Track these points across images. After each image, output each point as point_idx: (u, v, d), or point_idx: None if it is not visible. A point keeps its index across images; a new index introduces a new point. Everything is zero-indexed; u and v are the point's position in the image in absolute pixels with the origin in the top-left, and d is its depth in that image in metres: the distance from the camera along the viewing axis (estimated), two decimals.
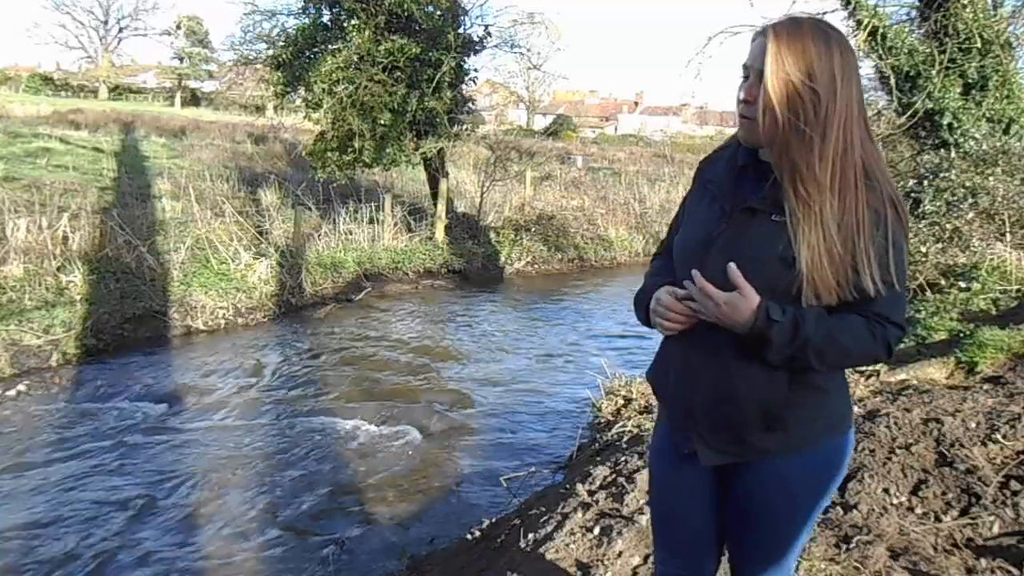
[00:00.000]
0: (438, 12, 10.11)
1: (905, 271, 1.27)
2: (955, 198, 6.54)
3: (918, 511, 2.52)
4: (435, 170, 11.44)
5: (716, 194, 1.37)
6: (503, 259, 11.48)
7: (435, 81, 9.87)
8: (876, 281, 1.21)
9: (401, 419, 5.30)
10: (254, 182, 13.39)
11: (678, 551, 1.57)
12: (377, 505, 4.13)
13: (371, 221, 10.67)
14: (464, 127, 11.42)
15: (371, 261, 9.97)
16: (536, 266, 11.86)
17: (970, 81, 7.55)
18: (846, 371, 1.46)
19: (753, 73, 1.26)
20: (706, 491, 1.48)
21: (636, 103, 61.38)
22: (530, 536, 2.84)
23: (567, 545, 2.65)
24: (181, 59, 47.90)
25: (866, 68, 7.94)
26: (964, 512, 2.46)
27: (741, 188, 1.33)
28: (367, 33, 9.58)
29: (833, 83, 1.21)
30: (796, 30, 1.23)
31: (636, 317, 1.51)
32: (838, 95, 1.21)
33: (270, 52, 10.45)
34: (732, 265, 1.24)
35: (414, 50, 9.64)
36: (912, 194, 6.75)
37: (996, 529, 2.35)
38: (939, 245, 6.25)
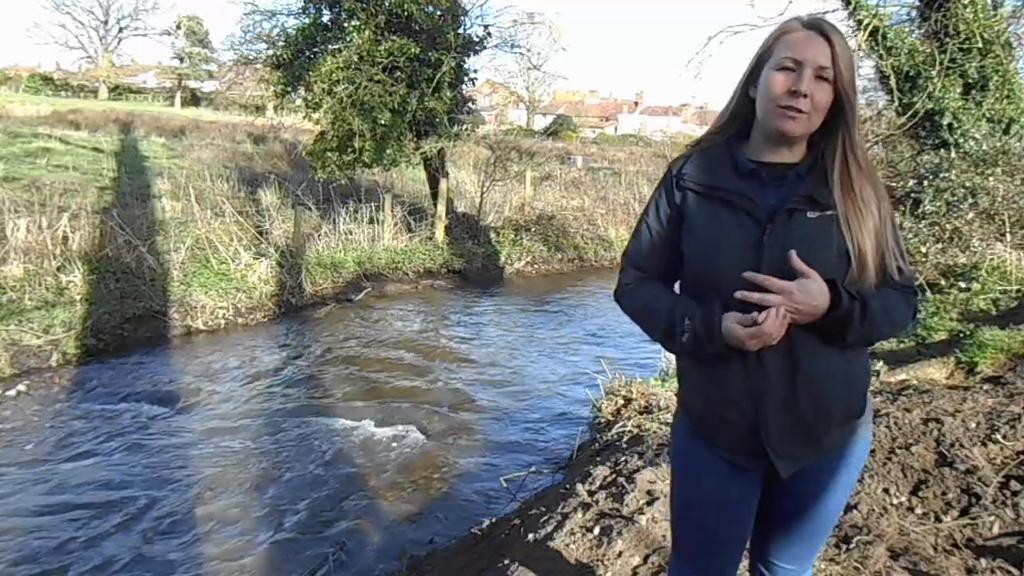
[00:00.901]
0: (438, 12, 10.11)
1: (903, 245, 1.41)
2: (955, 198, 6.54)
3: (918, 511, 2.52)
4: (435, 170, 11.44)
5: (732, 201, 1.34)
6: (503, 259, 11.48)
7: (435, 81, 9.88)
8: (897, 258, 1.33)
9: (401, 419, 5.30)
10: (254, 182, 13.39)
11: (708, 563, 1.53)
12: (377, 505, 4.13)
13: (371, 221, 10.67)
14: (464, 127, 11.43)
15: (371, 261, 9.97)
16: (536, 266, 11.86)
17: (970, 81, 7.55)
18: None
19: (811, 68, 1.27)
20: (753, 501, 1.47)
21: (636, 103, 61.35)
22: (530, 536, 2.84)
23: (567, 545, 2.65)
24: (181, 59, 47.88)
25: (866, 68, 7.96)
26: (964, 512, 2.46)
27: (762, 192, 1.33)
28: (367, 33, 9.58)
29: (856, 81, 1.32)
30: (838, 30, 1.30)
31: (669, 350, 1.43)
32: (856, 92, 1.33)
33: (270, 52, 10.45)
34: (793, 252, 1.26)
35: (414, 50, 9.63)
36: (912, 194, 6.76)
37: (996, 529, 2.35)
38: (939, 245, 6.25)
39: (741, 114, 1.39)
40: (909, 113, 7.45)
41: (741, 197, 1.33)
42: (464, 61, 10.66)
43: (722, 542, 1.50)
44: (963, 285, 5.40)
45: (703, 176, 1.39)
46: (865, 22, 7.46)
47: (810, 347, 1.30)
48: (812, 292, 1.23)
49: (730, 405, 1.36)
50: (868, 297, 1.28)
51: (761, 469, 1.41)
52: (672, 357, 5.22)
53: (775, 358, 1.30)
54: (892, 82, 7.57)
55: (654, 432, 3.84)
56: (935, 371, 3.91)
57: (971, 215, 6.41)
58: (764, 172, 1.35)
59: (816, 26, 1.29)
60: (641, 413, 4.34)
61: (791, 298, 1.23)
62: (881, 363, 4.02)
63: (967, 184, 6.58)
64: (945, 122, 7.51)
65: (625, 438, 3.99)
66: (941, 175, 6.73)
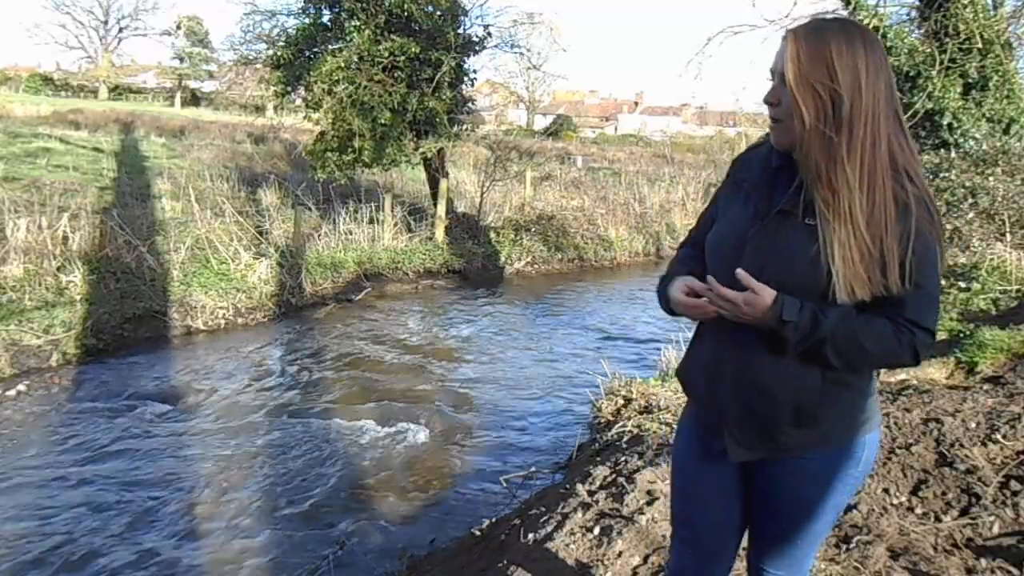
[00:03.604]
0: (438, 12, 10.11)
1: (937, 275, 1.27)
2: (955, 198, 6.54)
3: (918, 511, 2.52)
4: (435, 170, 11.44)
5: (750, 194, 1.39)
6: (503, 259, 11.48)
7: (435, 81, 9.87)
8: (902, 280, 1.22)
9: (401, 419, 5.30)
10: (254, 182, 13.39)
11: (697, 545, 1.57)
12: (377, 505, 4.13)
13: (371, 221, 10.67)
14: (464, 127, 11.41)
15: (371, 261, 9.96)
16: (536, 266, 11.86)
17: (970, 81, 7.56)
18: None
19: (776, 76, 1.29)
20: (732, 487, 1.49)
21: (636, 103, 61.37)
22: (530, 536, 2.84)
23: (567, 545, 2.65)
24: (181, 59, 47.89)
25: None
26: (964, 512, 2.46)
27: (775, 190, 1.35)
28: (367, 33, 9.58)
29: (857, 80, 1.22)
30: (816, 31, 1.25)
31: (668, 312, 1.52)
32: (863, 92, 1.22)
33: (270, 52, 10.45)
34: (739, 271, 1.28)
35: (414, 49, 9.64)
36: None
37: (996, 529, 2.35)
38: None
39: None
40: (909, 113, 7.45)
41: (756, 192, 1.38)
42: (464, 61, 10.66)
43: (705, 526, 1.54)
44: (963, 285, 5.40)
45: (740, 169, 1.47)
46: (865, 22, 7.46)
47: (763, 342, 1.32)
48: (757, 305, 1.26)
49: (697, 377, 1.49)
50: (825, 319, 1.24)
51: (724, 450, 1.45)
52: (671, 358, 5.23)
53: (733, 344, 1.36)
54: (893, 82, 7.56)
55: (654, 432, 3.84)
56: (935, 371, 3.91)
57: (971, 215, 6.42)
58: (788, 171, 1.34)
59: (789, 31, 1.28)
60: (641, 413, 4.34)
61: (736, 308, 1.28)
62: None
63: (967, 184, 6.59)
64: (945, 122, 7.52)
65: (625, 438, 3.99)
66: (941, 175, 6.74)
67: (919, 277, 1.23)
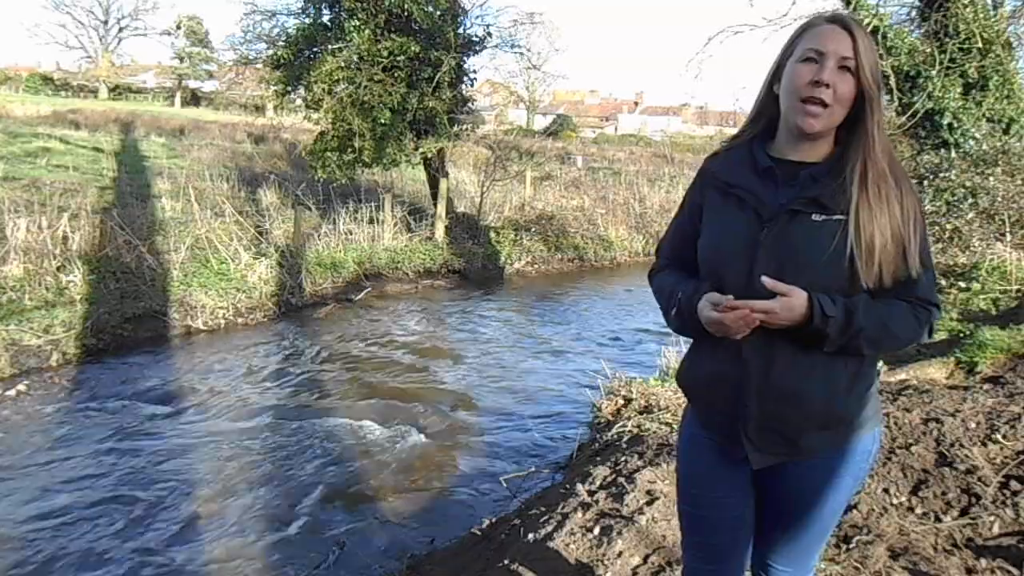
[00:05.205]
0: (438, 12, 10.11)
1: (931, 253, 1.35)
2: (955, 198, 6.55)
3: (918, 511, 2.52)
4: (435, 170, 11.45)
5: (743, 199, 1.36)
6: (503, 259, 11.48)
7: (435, 80, 9.88)
8: (917, 266, 1.29)
9: (401, 419, 5.30)
10: (254, 182, 13.39)
11: (712, 554, 1.55)
12: (377, 505, 4.13)
13: (371, 221, 10.67)
14: (464, 127, 11.42)
15: (371, 261, 9.96)
16: (536, 266, 11.86)
17: (970, 81, 7.56)
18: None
19: (834, 59, 1.27)
20: (744, 492, 1.48)
21: (636, 103, 61.36)
22: (530, 536, 2.84)
23: (567, 545, 2.65)
24: (181, 59, 47.87)
25: None
26: (964, 512, 2.46)
27: (772, 191, 1.34)
28: (367, 33, 9.58)
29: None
30: (861, 25, 1.32)
31: (670, 327, 1.49)
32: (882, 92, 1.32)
33: (270, 52, 10.45)
34: (765, 278, 1.26)
35: (414, 49, 9.64)
36: None
37: (996, 529, 2.35)
38: (939, 245, 6.26)
39: (767, 112, 1.41)
40: (909, 113, 7.46)
41: (751, 195, 1.35)
42: (464, 61, 10.66)
43: (720, 533, 1.52)
44: (963, 285, 5.40)
45: (723, 173, 1.43)
46: (865, 22, 7.46)
47: (789, 346, 1.31)
48: (793, 307, 1.25)
49: (712, 387, 1.43)
50: (856, 310, 1.25)
51: (743, 457, 1.42)
52: (671, 358, 5.23)
53: (754, 351, 1.32)
54: (892, 82, 7.58)
55: (654, 432, 3.84)
56: (935, 371, 3.91)
57: (971, 215, 6.42)
58: (779, 171, 1.35)
59: (839, 19, 1.31)
60: (641, 413, 4.34)
61: (774, 316, 1.25)
62: (881, 363, 4.02)
63: (967, 184, 6.59)
64: (945, 122, 7.52)
65: (625, 438, 3.99)
66: (941, 175, 6.74)
67: (924, 258, 1.30)
